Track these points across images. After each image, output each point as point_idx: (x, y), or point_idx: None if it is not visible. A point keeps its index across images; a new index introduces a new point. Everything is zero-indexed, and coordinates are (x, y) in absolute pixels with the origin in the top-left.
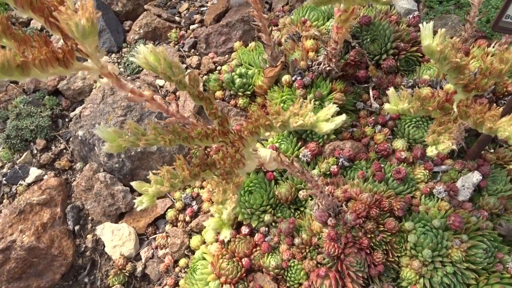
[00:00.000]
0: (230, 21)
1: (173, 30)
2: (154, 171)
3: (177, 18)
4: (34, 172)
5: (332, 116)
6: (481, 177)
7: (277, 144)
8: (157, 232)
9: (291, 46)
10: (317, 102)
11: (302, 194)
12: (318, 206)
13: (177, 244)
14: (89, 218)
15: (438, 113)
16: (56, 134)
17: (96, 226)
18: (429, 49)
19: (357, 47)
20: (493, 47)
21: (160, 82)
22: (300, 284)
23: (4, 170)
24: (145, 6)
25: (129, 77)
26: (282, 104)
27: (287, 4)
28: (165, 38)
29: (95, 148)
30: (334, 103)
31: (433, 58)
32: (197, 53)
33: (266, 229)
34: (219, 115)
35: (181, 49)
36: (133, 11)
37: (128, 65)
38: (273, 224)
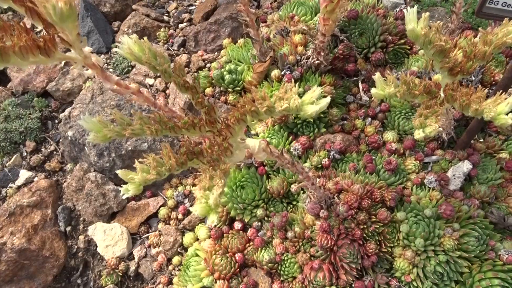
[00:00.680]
0: (218, 19)
1: (162, 29)
2: (140, 160)
3: (165, 18)
4: (24, 174)
5: (316, 99)
6: (471, 166)
7: (268, 139)
8: (150, 231)
9: (280, 41)
10: None
11: (294, 187)
12: (310, 199)
13: (170, 242)
14: (81, 218)
15: (424, 97)
16: (46, 135)
17: (88, 227)
18: (414, 33)
19: (345, 41)
20: (479, 37)
21: (150, 81)
22: (294, 278)
23: None
24: (134, 6)
25: (118, 77)
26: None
27: (275, 1)
28: (154, 38)
29: (85, 148)
30: (324, 96)
31: (418, 43)
32: (187, 52)
33: (259, 223)
34: (206, 104)
35: (170, 48)
36: (121, 11)
37: (117, 65)
38: (266, 218)
